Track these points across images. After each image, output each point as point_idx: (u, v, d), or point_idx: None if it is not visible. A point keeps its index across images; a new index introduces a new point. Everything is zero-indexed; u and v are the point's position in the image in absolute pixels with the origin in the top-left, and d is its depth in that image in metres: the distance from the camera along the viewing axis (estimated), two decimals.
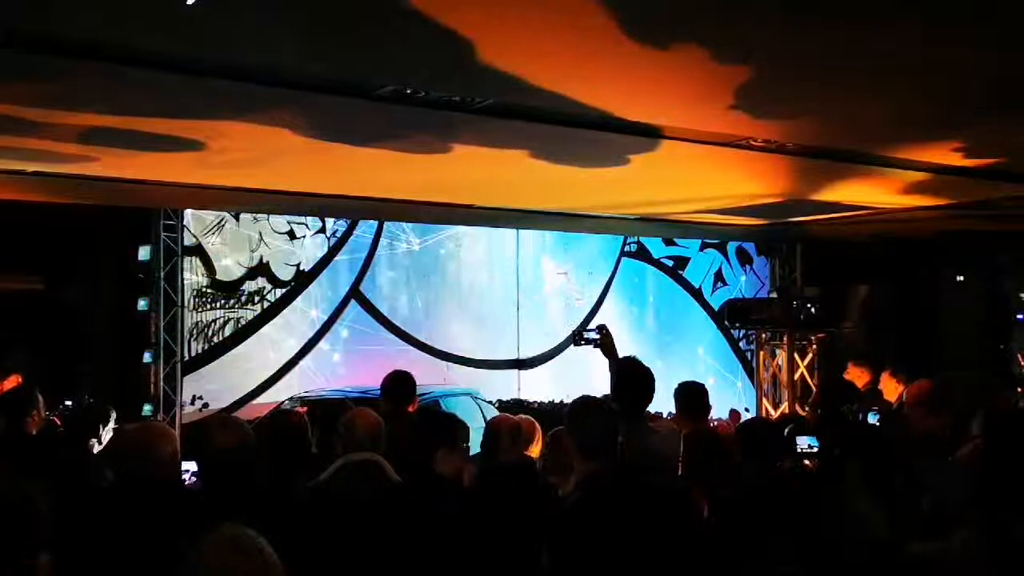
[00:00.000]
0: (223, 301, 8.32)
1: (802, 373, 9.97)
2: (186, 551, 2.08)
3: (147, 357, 7.80)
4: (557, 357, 10.07)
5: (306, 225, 8.78)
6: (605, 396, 3.95)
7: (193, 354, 8.09)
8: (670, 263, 11.13)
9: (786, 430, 5.11)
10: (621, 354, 4.39)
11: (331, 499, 3.29)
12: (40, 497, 2.68)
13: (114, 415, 4.76)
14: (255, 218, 8.45)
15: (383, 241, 9.28)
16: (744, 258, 11.48)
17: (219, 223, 8.28)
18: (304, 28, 3.66)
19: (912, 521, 3.25)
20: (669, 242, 10.99)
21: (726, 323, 10.71)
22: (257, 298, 8.51)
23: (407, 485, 3.38)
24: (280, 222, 8.63)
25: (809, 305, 9.59)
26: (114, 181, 6.33)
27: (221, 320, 8.31)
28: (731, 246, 11.36)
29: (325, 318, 8.91)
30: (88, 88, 4.34)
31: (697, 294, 11.28)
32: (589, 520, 2.93)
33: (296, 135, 5.17)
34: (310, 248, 8.84)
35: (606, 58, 3.97)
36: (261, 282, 8.53)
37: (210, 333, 8.23)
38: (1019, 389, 7.78)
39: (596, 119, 5.03)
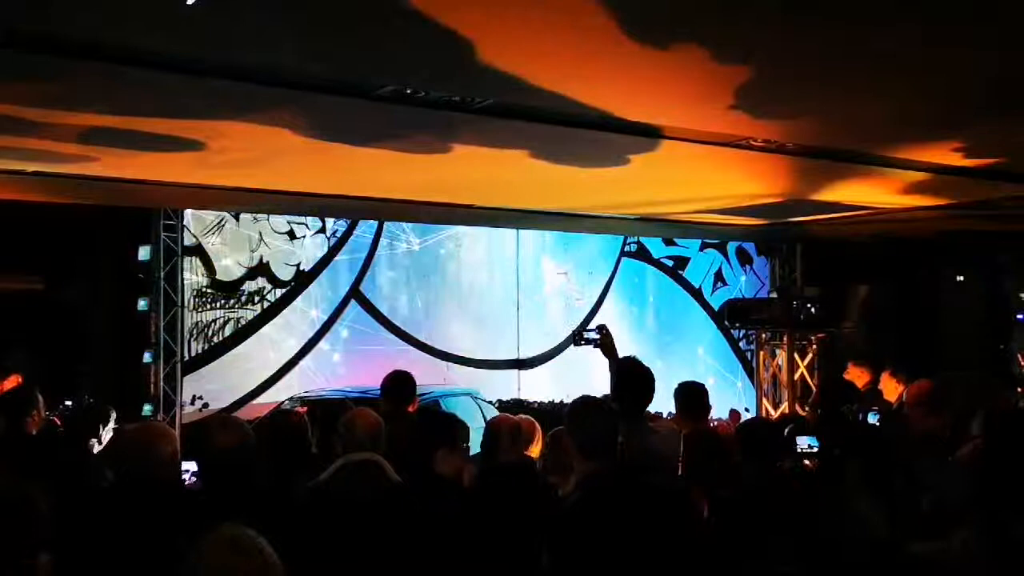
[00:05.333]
0: (223, 301, 8.31)
1: (802, 373, 9.97)
2: (186, 551, 2.08)
3: (147, 357, 7.80)
4: (557, 357, 10.07)
5: (306, 225, 8.78)
6: (605, 396, 3.95)
7: (193, 354, 8.09)
8: (670, 263, 11.12)
9: (786, 430, 5.11)
10: (621, 354, 4.39)
11: (331, 499, 3.29)
12: (40, 497, 2.67)
13: (114, 415, 4.76)
14: (255, 218, 8.45)
15: (383, 241, 9.28)
16: (744, 258, 11.47)
17: (219, 223, 8.28)
18: (304, 28, 3.66)
19: (912, 521, 3.25)
20: (669, 242, 10.99)
21: (726, 323, 10.71)
22: (257, 298, 8.51)
23: (407, 485, 3.38)
24: (280, 222, 8.63)
25: (809, 305, 9.58)
26: (114, 181, 6.33)
27: (221, 320, 8.31)
28: (731, 246, 11.35)
29: (325, 318, 8.90)
30: (88, 88, 4.34)
31: (697, 294, 11.27)
32: (589, 520, 2.93)
33: (296, 135, 5.17)
34: (310, 248, 8.84)
35: (606, 58, 3.96)
36: (261, 282, 8.53)
37: (210, 333, 8.23)
38: (1019, 389, 7.78)
39: (596, 119, 5.02)
